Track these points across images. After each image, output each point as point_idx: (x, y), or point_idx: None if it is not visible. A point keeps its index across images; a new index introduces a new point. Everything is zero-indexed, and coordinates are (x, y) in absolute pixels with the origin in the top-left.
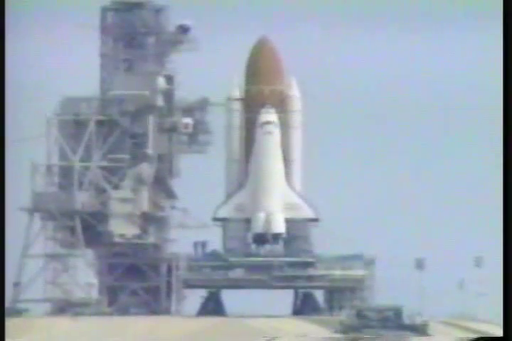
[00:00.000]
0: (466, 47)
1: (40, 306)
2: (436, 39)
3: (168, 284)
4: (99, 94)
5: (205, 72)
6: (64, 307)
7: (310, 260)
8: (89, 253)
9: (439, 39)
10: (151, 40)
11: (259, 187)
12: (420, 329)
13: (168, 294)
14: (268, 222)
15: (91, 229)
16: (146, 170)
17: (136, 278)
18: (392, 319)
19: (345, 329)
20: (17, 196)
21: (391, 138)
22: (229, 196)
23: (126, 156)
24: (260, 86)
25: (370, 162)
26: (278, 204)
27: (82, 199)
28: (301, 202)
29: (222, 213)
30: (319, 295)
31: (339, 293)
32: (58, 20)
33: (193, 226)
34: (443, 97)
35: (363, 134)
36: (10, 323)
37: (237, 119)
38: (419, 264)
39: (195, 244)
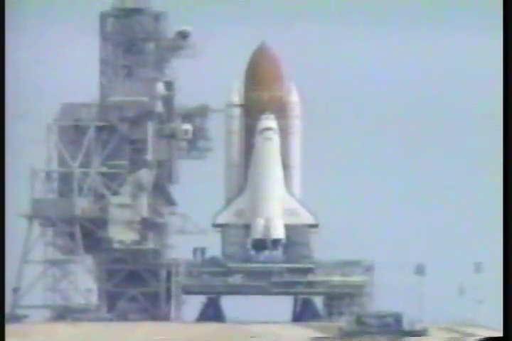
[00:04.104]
0: (466, 47)
1: (39, 312)
2: (436, 41)
3: (168, 290)
4: (98, 100)
5: (205, 78)
6: (63, 313)
7: (309, 266)
8: (89, 259)
9: (440, 41)
10: (150, 46)
11: (259, 193)
12: (420, 336)
13: (168, 300)
14: (267, 227)
15: (90, 235)
16: (146, 176)
17: (136, 284)
18: (392, 325)
19: (345, 335)
20: (16, 202)
21: (391, 143)
22: (228, 202)
23: (126, 162)
24: (260, 92)
25: (369, 167)
26: (277, 210)
27: (82, 205)
28: (300, 207)
29: (222, 219)
30: (319, 302)
31: (339, 299)
32: (58, 26)
33: (192, 232)
34: (444, 102)
35: (363, 140)
36: (9, 329)
37: (237, 125)
38: (419, 270)
39: (195, 250)
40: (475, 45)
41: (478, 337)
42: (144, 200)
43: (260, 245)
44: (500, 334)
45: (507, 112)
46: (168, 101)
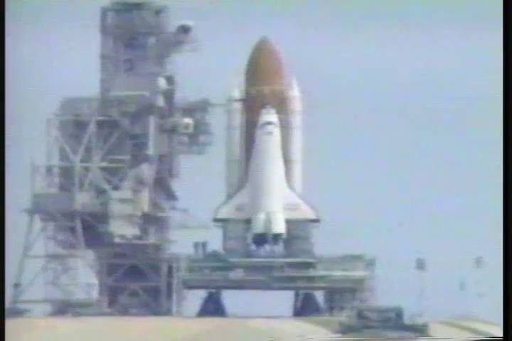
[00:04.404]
0: (466, 47)
1: (40, 307)
2: (436, 39)
3: (169, 285)
4: (99, 94)
5: (206, 73)
6: (64, 307)
7: (310, 261)
8: (90, 254)
9: (440, 39)
10: (151, 40)
11: (260, 188)
12: (421, 330)
13: (169, 295)
14: (268, 222)
15: (91, 229)
16: (147, 170)
17: (137, 279)
18: (393, 320)
19: (346, 330)
20: (17, 197)
21: (392, 138)
22: (229, 196)
23: (127, 157)
24: (260, 86)
25: (370, 162)
26: (278, 205)
27: (83, 200)
28: (301, 202)
29: (223, 214)
30: (320, 296)
31: (340, 293)
32: (58, 21)
33: (193, 227)
34: (443, 98)
35: (364, 134)
36: (10, 324)
37: (238, 120)
38: (420, 265)
39: (196, 245)
40: (475, 45)
41: (480, 337)
42: (144, 195)
43: (261, 240)
44: (500, 328)
45: (507, 112)
46: (169, 95)
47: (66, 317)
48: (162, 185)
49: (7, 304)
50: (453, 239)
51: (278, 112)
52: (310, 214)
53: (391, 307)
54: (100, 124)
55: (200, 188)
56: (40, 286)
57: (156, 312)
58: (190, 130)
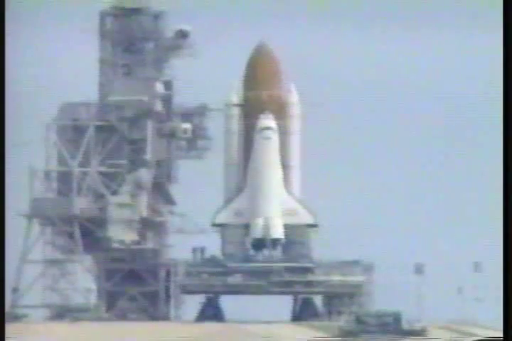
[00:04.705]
0: (466, 47)
1: (39, 311)
2: (436, 42)
3: (167, 290)
4: (98, 99)
5: (204, 78)
6: (63, 312)
7: (309, 265)
8: (88, 259)
9: (440, 42)
10: (149, 45)
11: (258, 193)
12: (419, 335)
13: (167, 299)
14: (267, 227)
15: (90, 234)
16: (145, 175)
17: (135, 284)
18: (391, 324)
19: (344, 334)
20: (16, 201)
21: (390, 143)
22: (227, 201)
23: (125, 162)
24: (259, 91)
25: (369, 167)
26: (277, 210)
27: (81, 204)
28: (299, 207)
29: (221, 218)
30: (318, 301)
31: (338, 298)
32: (57, 26)
33: (191, 232)
34: (444, 103)
35: (362, 139)
36: (9, 328)
37: (236, 125)
38: (419, 270)
39: (194, 250)
40: (475, 45)
41: (478, 337)
42: (143, 200)
43: (259, 244)
44: (499, 333)
45: (507, 112)
46: (167, 100)
47: (64, 322)
48: (160, 190)
49: (5, 309)
50: (451, 244)
51: (276, 117)
52: (308, 219)
53: (389, 312)
54: (98, 129)
55: (199, 193)
56: (39, 291)
57: (154, 317)
58: (189, 135)
